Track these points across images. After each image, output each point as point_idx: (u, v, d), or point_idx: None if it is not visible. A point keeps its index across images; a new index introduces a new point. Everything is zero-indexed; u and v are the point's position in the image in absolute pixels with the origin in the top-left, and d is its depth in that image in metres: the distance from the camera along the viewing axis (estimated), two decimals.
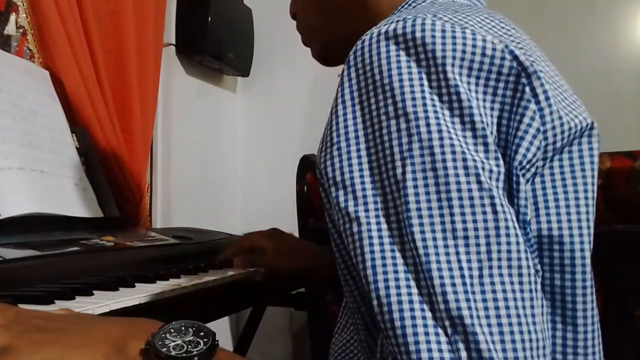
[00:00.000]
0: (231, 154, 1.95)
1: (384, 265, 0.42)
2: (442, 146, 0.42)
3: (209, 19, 1.62)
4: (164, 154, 1.60)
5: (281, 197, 1.75)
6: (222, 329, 1.83)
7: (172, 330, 0.43)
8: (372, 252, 0.43)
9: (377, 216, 0.44)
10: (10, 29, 1.13)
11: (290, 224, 1.69)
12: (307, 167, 1.37)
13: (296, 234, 1.58)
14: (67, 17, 1.15)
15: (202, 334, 0.43)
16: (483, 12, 0.51)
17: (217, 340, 0.44)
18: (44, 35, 1.15)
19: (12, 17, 1.13)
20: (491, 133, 0.43)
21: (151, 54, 1.44)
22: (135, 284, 0.76)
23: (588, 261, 0.46)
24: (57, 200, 0.98)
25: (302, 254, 0.95)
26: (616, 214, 0.84)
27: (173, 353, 0.41)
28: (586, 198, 0.46)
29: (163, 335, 0.43)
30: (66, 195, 1.01)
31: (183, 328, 0.44)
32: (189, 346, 0.42)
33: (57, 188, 1.00)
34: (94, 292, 0.69)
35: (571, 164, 0.46)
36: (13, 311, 0.46)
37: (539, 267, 0.44)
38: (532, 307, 0.41)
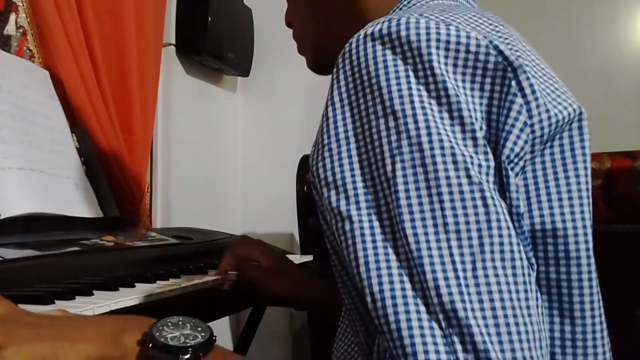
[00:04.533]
0: (231, 154, 1.95)
1: (377, 261, 0.42)
2: (430, 142, 0.42)
3: (209, 19, 1.62)
4: (164, 154, 1.60)
5: (281, 197, 1.75)
6: (222, 329, 1.82)
7: (169, 324, 0.44)
8: (364, 249, 0.43)
9: (369, 214, 0.44)
10: (10, 29, 1.13)
11: (290, 224, 1.69)
12: (307, 167, 1.37)
13: (296, 234, 1.58)
14: (66, 17, 1.16)
15: (199, 328, 0.44)
16: (472, 11, 0.51)
17: (215, 336, 0.44)
18: (43, 35, 1.15)
19: (12, 17, 1.13)
20: (480, 128, 0.43)
21: (151, 54, 1.44)
22: (135, 284, 0.76)
23: (584, 253, 0.45)
24: (57, 200, 0.98)
25: (294, 281, 0.91)
26: (616, 214, 0.84)
27: (170, 343, 0.42)
28: (579, 190, 0.46)
29: (161, 327, 0.43)
30: (66, 195, 1.01)
31: (181, 322, 0.44)
32: (187, 338, 0.43)
33: (57, 188, 1.00)
34: (94, 292, 0.69)
35: (562, 155, 0.46)
36: (5, 307, 0.46)
37: (533, 260, 0.44)
38: (526, 299, 0.41)
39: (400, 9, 0.58)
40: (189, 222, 1.46)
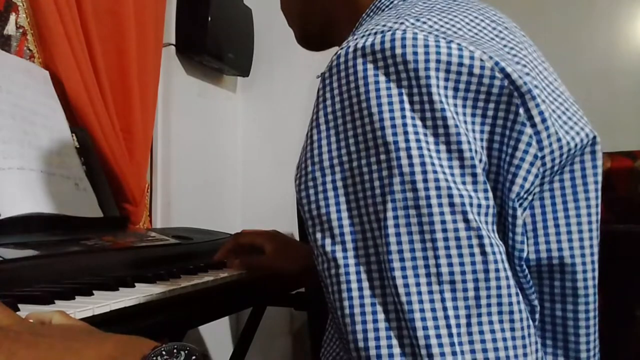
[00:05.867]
0: (231, 154, 1.95)
1: (363, 313, 0.39)
2: (425, 180, 0.38)
3: (209, 19, 1.62)
4: (164, 154, 1.60)
5: (281, 197, 1.75)
6: (222, 329, 1.83)
7: (163, 353, 0.42)
8: (350, 298, 0.40)
9: (355, 257, 0.40)
10: (10, 29, 1.13)
11: (290, 224, 1.69)
12: None
13: (296, 234, 1.58)
14: (66, 17, 1.15)
15: (193, 358, 0.42)
16: (473, 8, 0.47)
17: None
18: (43, 35, 1.15)
19: (12, 17, 1.13)
20: (480, 161, 0.40)
21: (151, 54, 1.44)
22: (135, 284, 0.76)
23: (592, 290, 0.43)
24: (57, 200, 0.98)
25: (301, 255, 0.91)
26: (616, 214, 0.83)
27: None
28: (589, 222, 0.43)
29: (154, 358, 0.42)
30: (66, 195, 1.01)
31: (175, 351, 0.43)
32: None
33: (57, 188, 1.00)
34: (94, 292, 0.69)
35: (573, 183, 0.43)
36: (6, 317, 0.46)
37: (536, 302, 0.42)
38: (524, 354, 0.38)
39: None
40: (189, 222, 1.46)
